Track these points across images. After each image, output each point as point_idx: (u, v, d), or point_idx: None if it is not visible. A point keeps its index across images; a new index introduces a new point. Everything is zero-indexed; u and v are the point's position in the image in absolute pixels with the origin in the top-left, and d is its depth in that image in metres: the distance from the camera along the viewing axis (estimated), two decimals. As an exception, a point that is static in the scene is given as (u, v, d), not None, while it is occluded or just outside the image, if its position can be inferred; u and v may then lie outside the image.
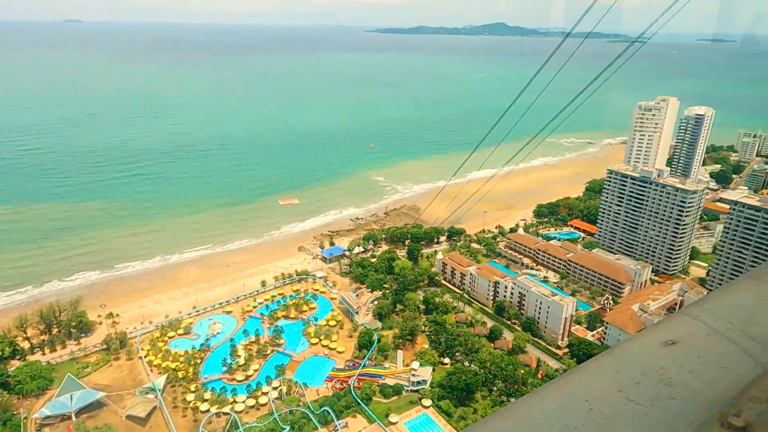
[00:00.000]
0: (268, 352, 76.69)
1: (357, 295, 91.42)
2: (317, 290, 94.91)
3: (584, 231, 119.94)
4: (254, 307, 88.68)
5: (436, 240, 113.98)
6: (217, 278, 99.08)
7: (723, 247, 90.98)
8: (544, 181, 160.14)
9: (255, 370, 72.43)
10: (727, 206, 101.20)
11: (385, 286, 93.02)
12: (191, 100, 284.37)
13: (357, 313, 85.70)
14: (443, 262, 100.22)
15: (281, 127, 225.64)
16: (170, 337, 79.39)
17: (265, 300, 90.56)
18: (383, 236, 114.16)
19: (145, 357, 74.31)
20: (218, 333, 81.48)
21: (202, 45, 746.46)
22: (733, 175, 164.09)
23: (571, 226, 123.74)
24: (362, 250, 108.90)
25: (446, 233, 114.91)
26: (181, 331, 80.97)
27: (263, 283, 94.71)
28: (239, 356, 74.72)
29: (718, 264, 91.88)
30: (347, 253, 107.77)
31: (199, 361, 73.99)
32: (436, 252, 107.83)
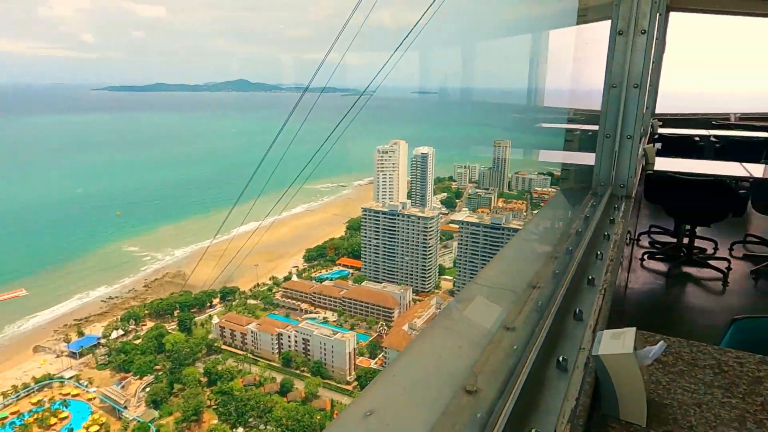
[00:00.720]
0: (5, 492, 59.06)
1: (123, 386, 78.53)
2: (68, 394, 78.06)
3: (352, 267, 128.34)
4: (-25, 439, 68.01)
5: (209, 304, 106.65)
6: None
7: (460, 260, 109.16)
8: (308, 227, 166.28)
9: None
10: (457, 226, 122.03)
11: (157, 367, 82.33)
12: None
13: (126, 407, 73.36)
14: (220, 326, 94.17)
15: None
16: None
17: (-8, 426, 70.41)
18: (146, 312, 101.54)
19: None
20: None
21: None
22: (456, 200, 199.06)
23: (340, 264, 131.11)
24: (122, 333, 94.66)
25: (219, 295, 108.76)
26: None
27: (-14, 405, 73.50)
28: None
29: (459, 275, 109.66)
30: (103, 340, 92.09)
31: None
32: (211, 317, 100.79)
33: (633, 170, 2.32)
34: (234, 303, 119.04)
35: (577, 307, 1.11)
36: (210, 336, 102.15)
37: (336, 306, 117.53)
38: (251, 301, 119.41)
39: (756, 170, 3.94)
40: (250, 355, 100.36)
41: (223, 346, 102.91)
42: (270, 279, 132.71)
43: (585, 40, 2.37)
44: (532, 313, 0.93)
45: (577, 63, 2.40)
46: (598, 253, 1.52)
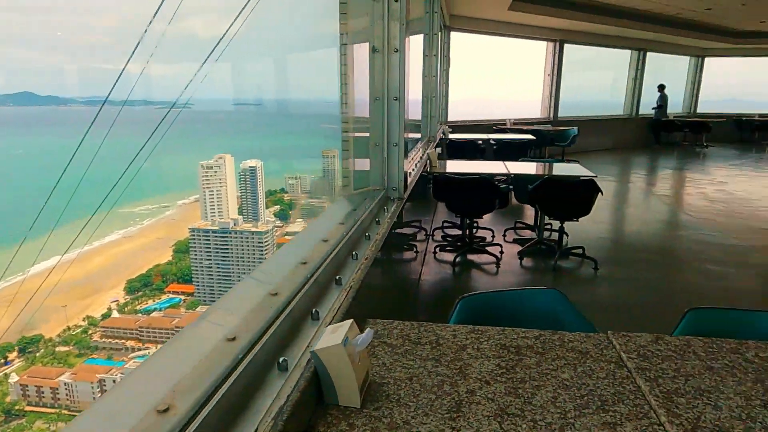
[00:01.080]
0: None
1: None
2: None
3: (183, 293, 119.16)
4: None
5: (2, 361, 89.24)
6: None
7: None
8: (127, 254, 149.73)
9: None
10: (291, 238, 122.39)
11: (-67, 451, 65.94)
12: None
13: None
14: (21, 384, 79.52)
15: None
16: None
17: None
18: None
19: None
20: None
21: None
22: (290, 211, 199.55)
23: (169, 292, 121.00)
24: None
25: (16, 347, 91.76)
26: None
27: None
28: None
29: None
30: None
31: None
32: (7, 375, 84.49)
33: (402, 174, 2.56)
34: (38, 354, 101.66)
35: (317, 307, 1.14)
36: (8, 399, 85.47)
37: (169, 337, 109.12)
38: (61, 348, 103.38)
39: (513, 167, 4.72)
40: (65, 411, 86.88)
41: (28, 408, 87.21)
42: (84, 319, 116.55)
43: (358, 57, 2.56)
44: (262, 320, 0.95)
45: (360, 77, 2.57)
46: (354, 253, 1.65)
